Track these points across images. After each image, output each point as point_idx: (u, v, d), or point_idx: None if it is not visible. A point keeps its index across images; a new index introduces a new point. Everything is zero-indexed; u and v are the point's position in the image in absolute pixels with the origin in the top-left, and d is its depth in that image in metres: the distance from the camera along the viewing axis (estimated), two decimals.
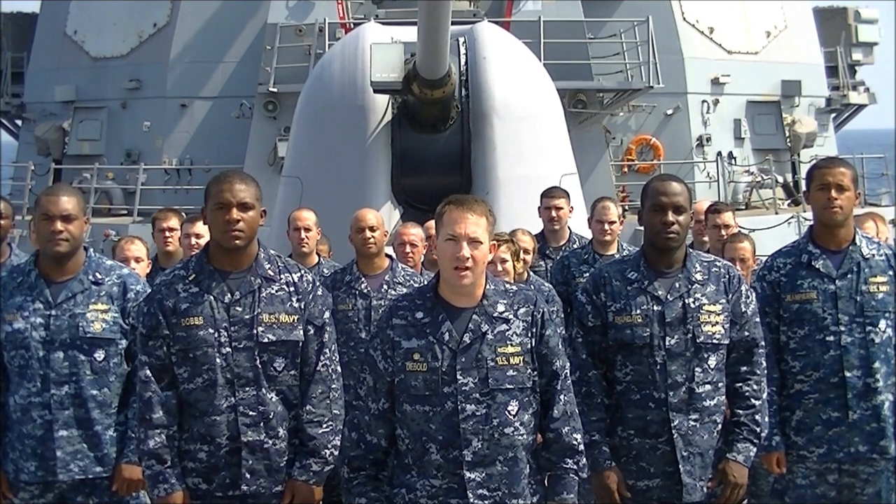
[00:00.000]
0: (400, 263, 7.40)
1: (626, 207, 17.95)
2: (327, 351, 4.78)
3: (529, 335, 4.31)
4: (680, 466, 4.92)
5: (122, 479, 5.18)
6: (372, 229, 7.26)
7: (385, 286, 7.19)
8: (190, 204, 16.06)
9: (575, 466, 4.35)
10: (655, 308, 4.94)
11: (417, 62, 9.08)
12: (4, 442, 5.19)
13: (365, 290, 7.22)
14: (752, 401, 4.99)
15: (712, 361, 4.94)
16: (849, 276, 5.45)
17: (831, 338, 5.41)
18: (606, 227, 8.06)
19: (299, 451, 4.74)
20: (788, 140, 22.11)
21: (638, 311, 4.95)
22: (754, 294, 5.16)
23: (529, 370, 4.29)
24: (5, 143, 26.34)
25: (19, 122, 24.68)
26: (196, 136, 20.94)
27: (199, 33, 20.95)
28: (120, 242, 7.42)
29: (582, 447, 4.39)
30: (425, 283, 4.57)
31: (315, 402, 4.74)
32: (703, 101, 21.28)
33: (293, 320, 4.72)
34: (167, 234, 7.94)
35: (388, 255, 7.43)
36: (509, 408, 4.24)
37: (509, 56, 10.11)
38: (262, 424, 4.68)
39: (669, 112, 21.02)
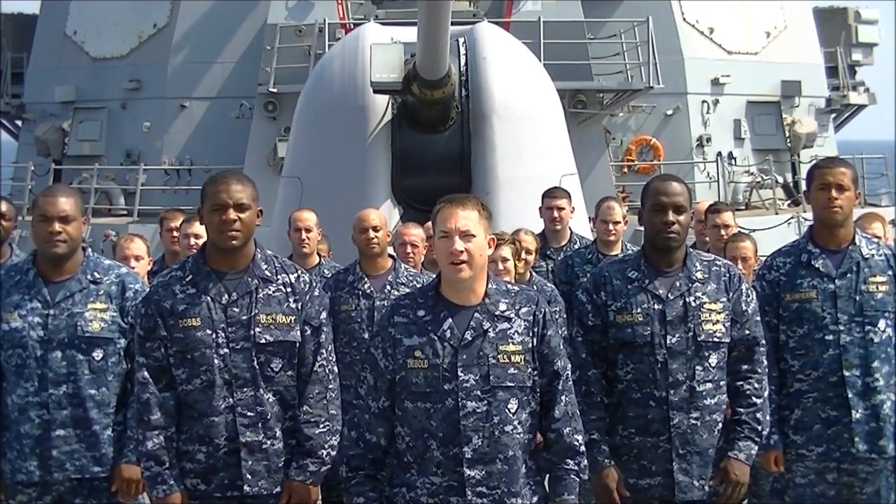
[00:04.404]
0: (403, 264, 7.38)
1: (627, 208, 17.95)
2: (324, 351, 4.77)
3: (531, 335, 4.30)
4: (674, 464, 4.92)
5: (122, 479, 5.16)
6: (375, 229, 7.24)
7: (388, 286, 7.16)
8: (190, 204, 15.99)
9: (576, 467, 4.34)
10: (656, 307, 4.94)
11: (417, 62, 9.06)
12: (2, 442, 5.16)
13: (368, 291, 7.20)
14: (753, 399, 4.98)
15: (713, 360, 4.94)
16: (848, 275, 5.44)
17: (830, 337, 5.41)
18: (611, 227, 8.05)
19: (296, 451, 4.73)
20: (788, 140, 22.12)
21: (639, 310, 4.95)
22: (754, 293, 5.15)
23: (530, 369, 4.29)
24: (5, 143, 26.33)
25: (19, 123, 24.70)
26: (196, 137, 20.95)
27: (199, 34, 20.97)
28: (120, 241, 7.37)
29: (583, 448, 4.38)
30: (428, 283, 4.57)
31: (312, 403, 4.73)
32: (703, 102, 21.29)
33: (290, 321, 4.70)
34: (175, 233, 7.92)
35: (391, 256, 7.42)
36: (509, 406, 4.24)
37: (509, 56, 10.09)
38: (260, 425, 4.67)
39: (669, 112, 21.03)
